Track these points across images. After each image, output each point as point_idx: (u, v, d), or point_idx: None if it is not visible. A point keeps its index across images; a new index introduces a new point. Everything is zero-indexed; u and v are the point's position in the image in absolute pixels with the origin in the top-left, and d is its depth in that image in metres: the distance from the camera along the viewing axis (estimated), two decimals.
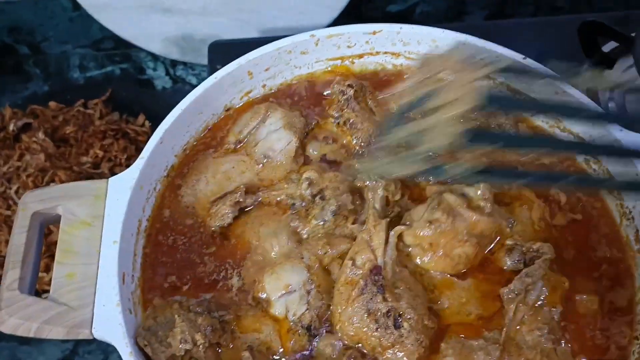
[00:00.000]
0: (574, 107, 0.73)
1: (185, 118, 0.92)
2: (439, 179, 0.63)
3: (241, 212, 0.88)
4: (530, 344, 0.75)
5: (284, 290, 0.79)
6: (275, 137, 0.92)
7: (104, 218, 0.81)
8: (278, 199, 0.88)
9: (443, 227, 0.78)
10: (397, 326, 0.74)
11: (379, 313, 0.75)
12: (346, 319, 0.76)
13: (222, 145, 0.95)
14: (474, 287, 0.81)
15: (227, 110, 0.99)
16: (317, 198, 0.85)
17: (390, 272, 0.77)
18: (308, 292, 0.79)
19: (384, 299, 0.75)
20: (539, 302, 0.77)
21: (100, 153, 1.27)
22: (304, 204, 0.87)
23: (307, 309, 0.79)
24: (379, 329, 0.75)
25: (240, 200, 0.87)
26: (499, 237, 0.82)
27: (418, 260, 0.81)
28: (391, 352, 0.75)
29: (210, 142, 0.96)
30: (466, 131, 0.61)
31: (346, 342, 0.77)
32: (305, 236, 0.85)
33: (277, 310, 0.79)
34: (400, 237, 0.81)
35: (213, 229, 0.87)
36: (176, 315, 0.75)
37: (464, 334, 0.77)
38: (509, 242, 0.82)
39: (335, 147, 0.95)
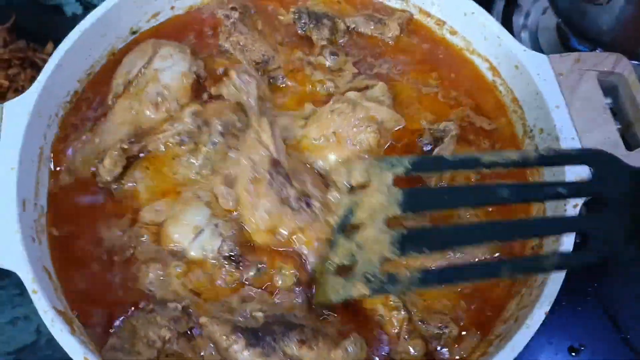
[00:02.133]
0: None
1: (86, 40, 0.88)
2: (394, 290, 0.64)
3: (133, 161, 0.85)
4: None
5: (193, 234, 0.79)
6: (168, 74, 0.88)
7: (0, 144, 0.78)
8: (165, 141, 0.85)
9: (346, 113, 0.84)
10: (309, 205, 0.78)
11: (291, 198, 0.78)
12: (260, 216, 0.79)
13: (110, 92, 0.90)
14: None
15: (134, 33, 0.95)
16: (203, 127, 0.85)
17: (286, 162, 0.81)
18: (216, 225, 0.80)
19: (292, 186, 0.79)
20: None
21: (6, 83, 1.20)
22: (190, 140, 0.85)
23: (223, 240, 0.79)
24: (294, 212, 0.78)
25: (125, 147, 0.83)
26: (400, 126, 0.89)
27: (329, 155, 0.85)
28: (308, 231, 0.78)
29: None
30: (394, 242, 0.62)
31: (260, 242, 0.80)
32: (196, 174, 0.84)
33: (194, 253, 0.79)
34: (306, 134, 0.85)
35: (102, 183, 0.83)
36: (134, 322, 0.74)
37: None
38: (422, 123, 0.90)
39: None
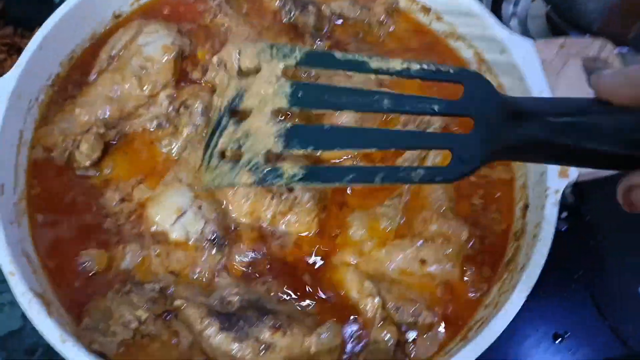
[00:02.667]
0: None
1: (67, 23, 0.88)
2: (279, 184, 0.60)
3: (110, 147, 0.85)
4: (427, 206, 0.81)
5: (175, 215, 0.79)
6: (152, 47, 0.88)
7: None
8: (142, 125, 0.85)
9: None
10: (290, 189, 0.78)
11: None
12: (239, 199, 0.78)
13: (93, 68, 0.90)
14: None
15: (117, 17, 0.94)
16: (181, 109, 0.84)
17: None
18: (199, 207, 0.79)
19: None
20: None
21: None
22: (168, 123, 0.85)
23: (205, 222, 0.79)
24: (274, 198, 0.78)
25: (101, 132, 0.83)
26: None
27: None
28: (289, 216, 0.78)
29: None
30: (280, 135, 0.60)
31: (244, 220, 0.79)
32: (175, 156, 0.83)
33: (176, 236, 0.79)
34: None
35: (80, 170, 0.83)
36: (109, 303, 0.73)
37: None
38: None
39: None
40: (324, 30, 0.98)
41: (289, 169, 0.60)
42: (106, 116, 0.85)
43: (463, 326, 0.77)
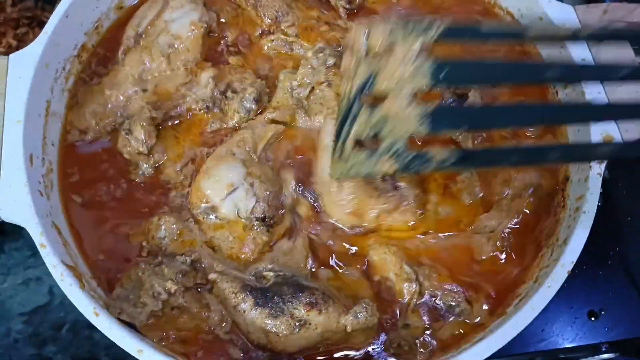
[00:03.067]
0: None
1: None
2: (427, 171, 0.58)
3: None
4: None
5: (226, 191, 0.76)
6: (179, 24, 0.85)
7: (5, 96, 0.76)
8: (187, 108, 0.83)
9: None
10: (395, 187, 0.76)
11: (377, 181, 0.75)
12: (340, 198, 0.76)
13: (120, 46, 0.88)
14: None
15: None
16: (228, 93, 0.82)
17: None
18: (252, 185, 0.77)
19: None
20: None
21: (14, 42, 1.18)
22: (215, 107, 0.84)
23: (257, 201, 0.76)
24: (381, 196, 0.76)
25: (154, 115, 0.81)
26: None
27: None
28: (396, 214, 0.77)
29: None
30: (425, 116, 0.55)
31: (340, 224, 0.78)
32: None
33: (225, 211, 0.77)
34: None
35: (131, 156, 0.81)
36: (140, 274, 0.72)
37: None
38: None
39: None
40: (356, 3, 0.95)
41: (438, 153, 0.56)
42: (142, 99, 0.82)
43: (503, 301, 0.75)
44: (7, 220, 0.71)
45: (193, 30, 0.85)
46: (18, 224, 0.71)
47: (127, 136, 0.80)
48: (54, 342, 0.92)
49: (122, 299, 0.71)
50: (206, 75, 0.83)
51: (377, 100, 0.60)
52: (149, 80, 0.84)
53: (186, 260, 0.73)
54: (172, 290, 0.71)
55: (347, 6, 0.93)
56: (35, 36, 1.21)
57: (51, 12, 1.25)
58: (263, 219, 0.76)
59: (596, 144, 0.52)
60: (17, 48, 1.20)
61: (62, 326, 0.93)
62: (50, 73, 0.81)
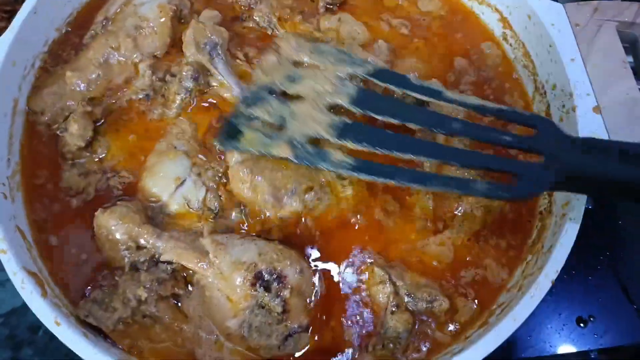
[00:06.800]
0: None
1: None
2: (320, 166, 0.62)
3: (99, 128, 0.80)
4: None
5: (174, 185, 0.74)
6: (148, 7, 0.83)
7: None
8: (127, 98, 0.81)
9: None
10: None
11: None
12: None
13: (89, 29, 0.86)
14: None
15: None
16: (167, 77, 0.81)
17: None
18: (199, 175, 0.75)
19: None
20: None
21: None
22: (156, 94, 0.82)
23: (207, 190, 0.75)
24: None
25: (89, 109, 0.78)
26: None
27: None
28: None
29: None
30: (332, 126, 0.63)
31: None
32: (170, 126, 0.80)
33: (175, 206, 0.74)
34: None
35: (72, 153, 0.78)
36: (116, 278, 0.70)
37: None
38: None
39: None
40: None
41: (339, 155, 0.62)
42: (91, 89, 0.80)
43: (483, 311, 0.72)
44: None
45: (160, 12, 0.82)
46: None
47: (62, 134, 0.78)
48: (30, 345, 0.89)
49: (93, 302, 0.69)
50: (143, 65, 0.81)
51: (288, 97, 0.68)
52: (114, 68, 0.81)
53: (167, 268, 0.70)
54: (143, 298, 0.68)
55: (329, 1, 0.90)
56: None
57: None
58: (215, 210, 0.75)
59: (474, 180, 0.59)
60: None
61: (38, 329, 0.91)
62: (18, 71, 0.79)
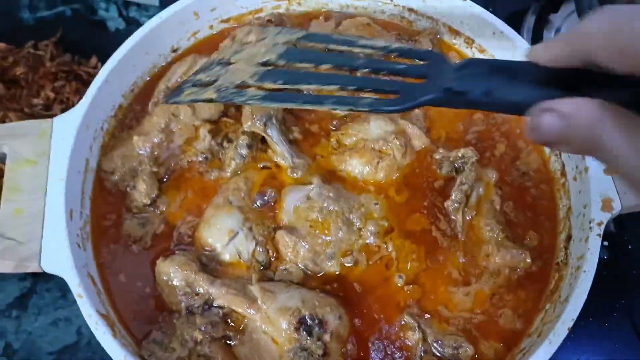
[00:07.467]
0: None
1: (131, 58, 0.93)
2: (236, 101, 0.69)
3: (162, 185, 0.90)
4: (485, 240, 0.85)
5: (227, 237, 0.83)
6: None
7: (50, 156, 0.83)
8: (188, 159, 0.90)
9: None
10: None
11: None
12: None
13: (152, 96, 0.95)
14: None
15: (174, 51, 1.00)
16: (224, 143, 0.90)
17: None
18: (250, 229, 0.83)
19: None
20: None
21: (52, 95, 1.26)
22: (214, 156, 0.91)
23: (256, 243, 0.83)
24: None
25: (155, 170, 0.88)
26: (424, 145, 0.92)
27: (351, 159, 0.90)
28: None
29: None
30: (256, 73, 0.70)
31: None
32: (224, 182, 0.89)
33: (227, 256, 0.83)
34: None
35: (138, 209, 0.88)
36: (174, 321, 0.79)
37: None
38: (436, 156, 0.91)
39: None
40: None
41: (252, 91, 0.70)
42: (156, 152, 0.89)
43: (507, 355, 0.79)
44: (48, 271, 0.77)
45: None
46: (58, 274, 0.77)
47: (131, 191, 0.87)
48: None
49: (157, 342, 0.77)
50: (203, 130, 0.90)
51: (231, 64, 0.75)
52: (175, 132, 0.90)
53: (219, 312, 0.78)
54: (199, 339, 0.76)
55: None
56: (71, 89, 1.30)
57: (87, 65, 1.35)
58: (262, 262, 0.83)
59: (362, 97, 0.65)
60: (54, 100, 1.28)
61: None
62: (90, 133, 0.88)
